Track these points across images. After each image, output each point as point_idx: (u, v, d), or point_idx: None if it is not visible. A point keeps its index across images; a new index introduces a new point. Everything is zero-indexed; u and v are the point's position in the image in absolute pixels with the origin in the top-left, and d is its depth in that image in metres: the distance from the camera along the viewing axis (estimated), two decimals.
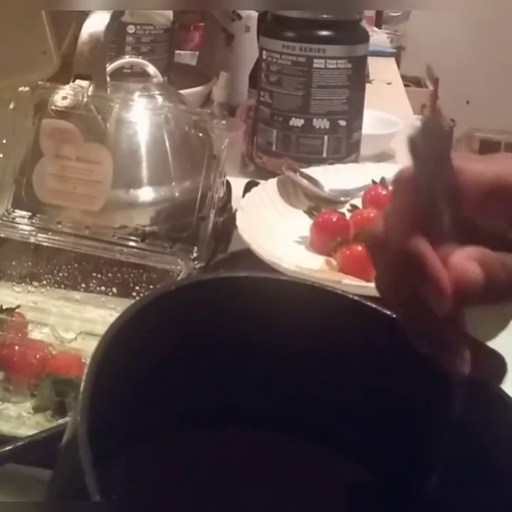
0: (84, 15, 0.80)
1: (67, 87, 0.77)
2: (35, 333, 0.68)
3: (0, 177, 0.80)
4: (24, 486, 0.51)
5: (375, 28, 2.46)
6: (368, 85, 1.19)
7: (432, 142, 0.37)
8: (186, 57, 1.56)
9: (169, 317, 0.38)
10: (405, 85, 1.95)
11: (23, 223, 0.79)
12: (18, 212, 0.80)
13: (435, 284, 0.36)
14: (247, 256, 0.80)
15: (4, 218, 0.80)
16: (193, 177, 0.80)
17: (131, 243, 0.77)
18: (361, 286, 0.74)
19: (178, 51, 1.41)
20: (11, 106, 0.79)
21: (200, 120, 0.80)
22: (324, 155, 1.07)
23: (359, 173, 0.99)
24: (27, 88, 0.79)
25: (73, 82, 0.77)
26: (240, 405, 0.43)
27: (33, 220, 0.79)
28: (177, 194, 0.81)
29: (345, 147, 1.09)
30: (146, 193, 0.80)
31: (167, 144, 0.82)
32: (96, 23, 0.78)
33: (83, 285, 0.77)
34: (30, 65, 0.90)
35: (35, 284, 0.78)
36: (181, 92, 0.99)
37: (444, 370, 0.38)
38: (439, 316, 0.36)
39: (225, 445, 0.44)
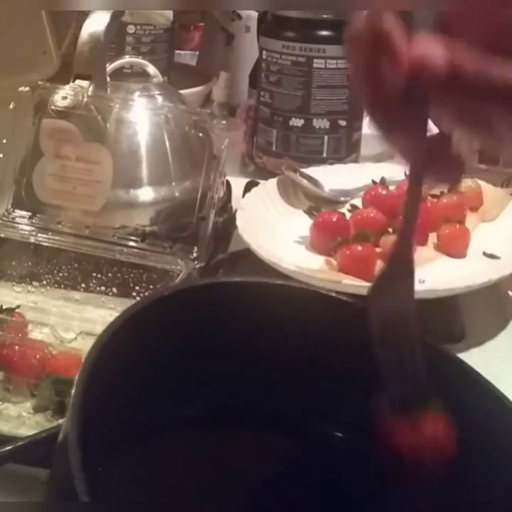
0: (84, 15, 0.80)
1: (67, 87, 0.77)
2: (35, 333, 0.68)
3: (0, 177, 0.80)
4: (24, 486, 0.51)
5: None
6: None
7: None
8: (186, 57, 1.56)
9: (162, 322, 0.39)
10: None
11: (23, 223, 0.79)
12: (18, 212, 0.80)
13: (393, 54, 0.35)
14: (247, 256, 0.80)
15: (4, 218, 0.80)
16: (193, 177, 0.80)
17: (131, 243, 0.77)
18: (361, 286, 0.74)
19: (178, 51, 1.41)
20: (11, 106, 0.79)
21: (200, 120, 0.80)
22: (324, 155, 1.07)
23: (359, 173, 0.99)
24: (27, 88, 0.79)
25: (73, 82, 0.77)
26: (236, 408, 0.43)
27: (33, 220, 0.79)
28: (177, 194, 0.81)
29: (345, 147, 1.09)
30: (146, 193, 0.80)
31: (167, 144, 0.82)
32: (96, 23, 0.78)
33: (83, 285, 0.77)
34: (30, 65, 0.90)
35: (35, 284, 0.78)
36: (181, 92, 0.99)
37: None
38: (394, 90, 0.35)
39: (219, 447, 0.44)
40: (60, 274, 0.78)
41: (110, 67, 0.85)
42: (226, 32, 1.37)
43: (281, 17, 1.07)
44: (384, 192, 0.91)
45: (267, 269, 0.76)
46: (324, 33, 1.05)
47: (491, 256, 0.83)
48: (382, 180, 0.93)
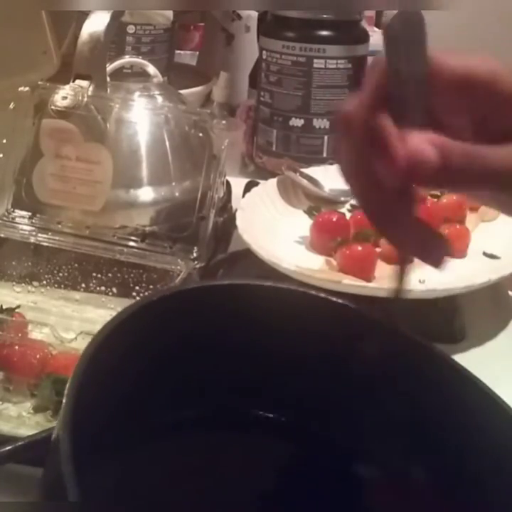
0: (84, 15, 0.80)
1: (67, 87, 0.77)
2: (35, 333, 0.68)
3: (0, 177, 0.80)
4: (24, 486, 0.51)
5: (375, 28, 2.44)
6: None
7: (408, 30, 0.38)
8: (186, 57, 1.56)
9: (158, 323, 0.39)
10: None
11: (23, 223, 0.79)
12: (18, 212, 0.80)
13: (388, 154, 0.36)
14: (247, 256, 0.80)
15: (4, 218, 0.80)
16: (193, 177, 0.80)
17: (131, 243, 0.77)
18: (361, 286, 0.74)
19: (178, 51, 1.41)
20: (11, 106, 0.79)
21: (200, 120, 0.80)
22: (324, 155, 1.07)
23: None
24: (27, 88, 0.79)
25: (73, 82, 0.77)
26: (233, 409, 0.43)
27: (33, 220, 0.79)
28: (177, 194, 0.81)
29: None
30: (146, 193, 0.80)
31: (167, 144, 0.82)
32: (96, 23, 0.78)
33: (83, 285, 0.77)
34: (30, 65, 0.90)
35: (35, 284, 0.78)
36: (181, 92, 0.99)
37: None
38: (388, 187, 0.37)
39: (216, 449, 0.44)
40: (60, 274, 0.78)
41: (110, 67, 0.85)
42: (226, 32, 1.37)
43: (281, 17, 1.07)
44: None
45: (267, 269, 0.76)
46: (324, 33, 1.05)
47: (491, 256, 0.83)
48: None
